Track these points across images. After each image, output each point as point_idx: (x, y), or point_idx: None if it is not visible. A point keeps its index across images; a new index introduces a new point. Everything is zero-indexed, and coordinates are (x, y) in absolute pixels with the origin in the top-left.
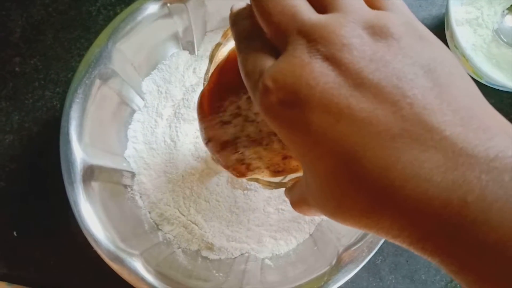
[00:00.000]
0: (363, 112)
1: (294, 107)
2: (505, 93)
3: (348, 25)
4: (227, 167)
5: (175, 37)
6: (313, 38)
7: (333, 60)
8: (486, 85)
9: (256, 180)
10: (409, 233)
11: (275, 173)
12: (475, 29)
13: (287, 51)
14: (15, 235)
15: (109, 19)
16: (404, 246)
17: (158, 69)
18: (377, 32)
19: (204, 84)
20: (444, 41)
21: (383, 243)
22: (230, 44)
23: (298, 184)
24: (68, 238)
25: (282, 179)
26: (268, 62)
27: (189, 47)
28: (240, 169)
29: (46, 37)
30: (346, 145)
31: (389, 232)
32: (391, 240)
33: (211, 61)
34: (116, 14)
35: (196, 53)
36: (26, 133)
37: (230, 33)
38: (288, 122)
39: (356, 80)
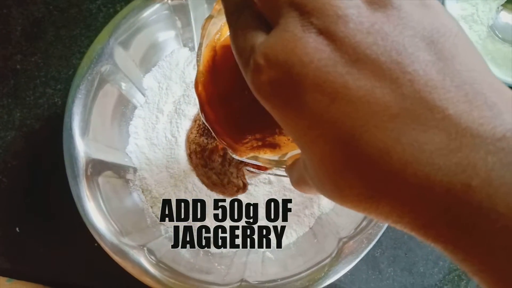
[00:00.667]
0: (360, 91)
1: (287, 87)
2: None
3: None
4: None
5: (176, 34)
6: (306, 10)
7: (328, 34)
8: None
9: (256, 158)
10: (409, 220)
11: (274, 149)
12: (471, 25)
13: (279, 25)
14: (18, 230)
15: (109, 17)
16: (406, 231)
17: (158, 65)
18: (375, 0)
19: (197, 61)
20: None
21: (382, 236)
22: (223, 17)
23: (297, 163)
24: (71, 234)
25: (282, 157)
26: (259, 38)
27: (190, 43)
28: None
29: (47, 34)
30: (342, 127)
31: (388, 218)
32: (393, 225)
33: (203, 35)
34: (116, 11)
35: (196, 50)
36: (27, 130)
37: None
38: (281, 103)
39: (353, 55)
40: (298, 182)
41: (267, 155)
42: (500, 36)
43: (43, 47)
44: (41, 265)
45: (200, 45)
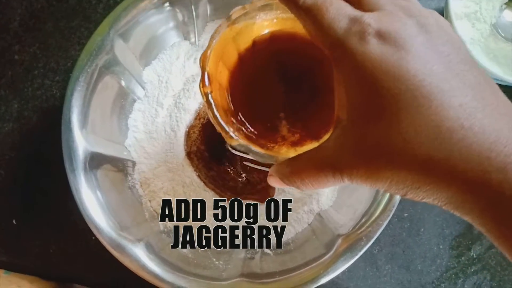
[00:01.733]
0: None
1: (392, 44)
2: (502, 87)
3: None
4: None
5: (177, 27)
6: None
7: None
8: None
9: (249, 149)
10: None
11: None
12: (473, 23)
13: (385, 10)
14: (14, 223)
15: (109, 8)
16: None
17: (159, 58)
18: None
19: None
20: None
21: (380, 233)
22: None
23: (314, 151)
24: (68, 227)
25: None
26: (354, 11)
27: (190, 37)
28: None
29: (45, 25)
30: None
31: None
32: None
33: (212, 38)
34: (116, 3)
35: (197, 43)
36: (25, 122)
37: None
38: (380, 56)
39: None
40: (296, 172)
41: (258, 149)
42: (503, 34)
43: (41, 38)
44: (38, 257)
45: (210, 46)
